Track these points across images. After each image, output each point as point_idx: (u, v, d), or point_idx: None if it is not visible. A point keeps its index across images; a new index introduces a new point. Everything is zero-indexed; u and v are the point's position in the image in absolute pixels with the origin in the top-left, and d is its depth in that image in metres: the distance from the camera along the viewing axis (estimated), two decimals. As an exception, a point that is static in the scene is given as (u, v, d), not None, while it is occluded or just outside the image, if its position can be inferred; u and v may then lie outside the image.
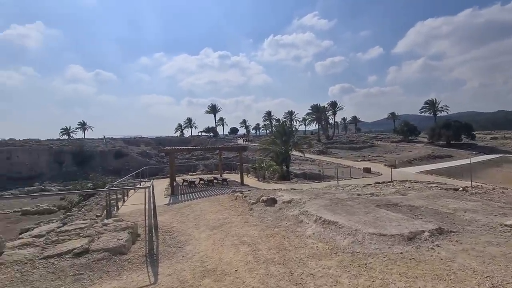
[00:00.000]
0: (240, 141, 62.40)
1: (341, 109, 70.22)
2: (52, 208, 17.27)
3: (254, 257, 3.83)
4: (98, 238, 4.37)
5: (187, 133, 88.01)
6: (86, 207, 11.65)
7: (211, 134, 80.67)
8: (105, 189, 10.32)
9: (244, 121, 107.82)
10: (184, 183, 16.16)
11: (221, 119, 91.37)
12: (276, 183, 16.77)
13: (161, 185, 15.14)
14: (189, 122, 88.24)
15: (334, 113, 69.80)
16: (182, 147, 23.78)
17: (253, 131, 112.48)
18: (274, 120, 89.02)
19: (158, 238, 5.12)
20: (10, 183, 31.38)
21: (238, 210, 7.39)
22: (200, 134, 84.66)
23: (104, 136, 54.81)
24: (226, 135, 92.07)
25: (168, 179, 18.62)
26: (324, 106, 66.51)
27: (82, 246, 3.92)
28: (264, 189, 11.61)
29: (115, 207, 9.25)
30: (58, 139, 53.32)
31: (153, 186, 5.36)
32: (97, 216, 9.08)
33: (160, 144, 56.77)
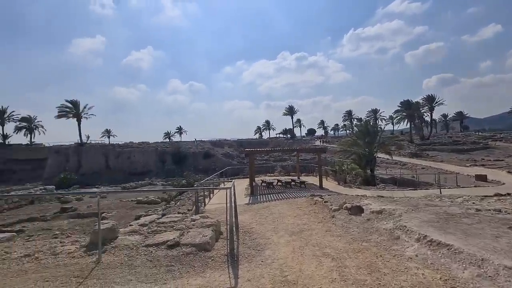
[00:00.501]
0: (318, 143, 60.29)
1: (441, 104, 58.74)
2: (157, 199, 20.60)
3: (340, 274, 3.36)
4: (187, 232, 4.75)
5: (265, 135, 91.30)
6: (181, 201, 13.31)
7: (288, 135, 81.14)
8: (194, 187, 11.46)
9: (322, 122, 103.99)
10: (263, 184, 16.52)
11: (298, 121, 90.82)
12: (359, 188, 15.21)
13: (241, 185, 15.91)
14: (267, 125, 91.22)
15: (431, 109, 58.90)
16: (260, 149, 24.63)
17: (332, 132, 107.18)
18: (355, 120, 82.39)
19: (239, 238, 5.22)
20: (130, 177, 39.35)
21: (318, 216, 6.90)
22: (277, 136, 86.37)
23: (195, 139, 62.48)
24: (303, 136, 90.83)
25: (248, 179, 19.40)
26: (417, 102, 57.11)
27: (174, 239, 4.30)
28: (346, 194, 10.59)
29: (203, 203, 10.16)
30: (162, 142, 63.78)
31: (234, 186, 5.51)
32: (188, 210, 10.20)
33: (241, 146, 60.61)
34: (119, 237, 4.49)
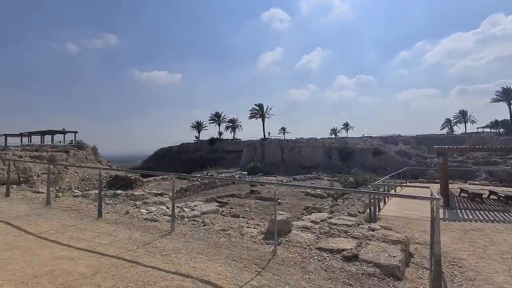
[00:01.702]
0: None
1: None
2: (323, 194, 20.83)
3: None
4: (366, 244, 3.88)
5: (458, 129, 69.12)
6: (349, 200, 12.35)
7: (501, 130, 56.42)
8: (369, 190, 10.14)
9: None
10: (462, 194, 12.18)
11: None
12: None
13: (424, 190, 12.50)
14: (463, 116, 68.49)
15: None
16: (459, 147, 18.47)
17: None
18: None
19: (443, 271, 3.66)
20: (300, 170, 43.08)
21: None
22: (480, 130, 62.72)
23: (363, 135, 58.15)
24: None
25: (435, 184, 15.08)
26: None
27: (351, 249, 3.60)
28: None
29: (377, 208, 8.72)
30: (328, 138, 64.83)
31: (434, 194, 3.96)
32: (359, 212, 9.12)
33: (421, 143, 49.57)
34: (292, 231, 4.42)
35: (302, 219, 5.88)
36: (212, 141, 66.04)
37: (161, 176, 27.11)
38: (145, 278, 2.82)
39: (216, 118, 74.13)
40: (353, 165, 37.57)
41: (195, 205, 6.97)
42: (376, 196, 9.17)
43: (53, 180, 26.04)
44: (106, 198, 7.18)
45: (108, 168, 5.82)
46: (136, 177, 22.94)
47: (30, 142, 43.98)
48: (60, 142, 46.51)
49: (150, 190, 15.79)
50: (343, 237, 4.22)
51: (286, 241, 4.07)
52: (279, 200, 16.16)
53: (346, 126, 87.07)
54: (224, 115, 75.08)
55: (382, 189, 11.26)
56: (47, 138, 46.52)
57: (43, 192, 8.51)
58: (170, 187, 17.23)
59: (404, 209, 8.54)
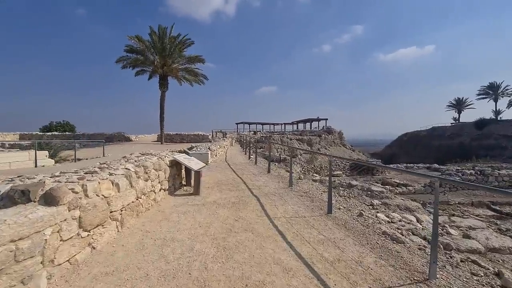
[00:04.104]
0: None
1: None
2: None
3: None
4: None
5: None
6: None
7: None
8: None
9: None
10: None
11: None
12: None
13: None
14: None
15: None
16: None
17: None
18: None
19: None
20: None
21: None
22: None
23: None
24: None
25: None
26: None
27: None
28: None
29: None
30: None
31: None
32: None
33: None
34: None
35: None
36: (481, 123, 48.07)
37: (404, 165, 23.69)
38: None
39: (491, 91, 52.65)
40: None
41: (469, 227, 4.20)
42: None
43: (309, 160, 31.31)
44: (340, 188, 6.46)
45: (339, 157, 5.16)
46: (377, 162, 21.55)
47: (297, 129, 57.69)
48: (315, 128, 56.53)
49: (391, 179, 13.62)
50: None
51: None
52: None
53: None
54: (507, 86, 51.38)
55: None
56: (308, 125, 58.51)
57: (293, 172, 9.77)
58: (412, 178, 13.86)
59: None
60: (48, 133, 29.62)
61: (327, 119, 53.52)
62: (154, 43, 23.65)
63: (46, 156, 12.84)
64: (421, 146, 50.44)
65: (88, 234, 2.80)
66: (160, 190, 5.00)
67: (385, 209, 4.89)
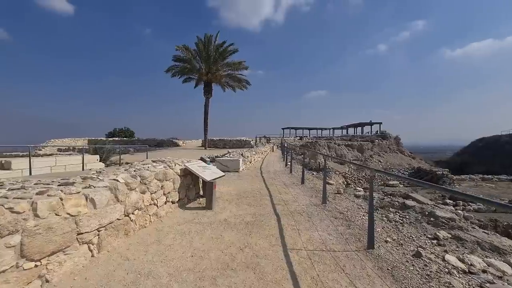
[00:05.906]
0: None
1: None
2: None
3: None
4: None
5: None
6: None
7: None
8: None
9: None
10: None
11: None
12: None
13: None
14: None
15: None
16: None
17: None
18: None
19: None
20: None
21: None
22: None
23: None
24: None
25: None
26: None
27: None
28: None
29: None
30: None
31: None
32: None
33: None
34: None
35: None
36: None
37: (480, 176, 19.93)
38: None
39: None
40: None
41: None
42: None
43: (357, 168, 28.38)
44: (391, 209, 5.01)
45: (382, 171, 3.99)
46: (444, 172, 18.57)
47: (347, 133, 54.17)
48: (368, 132, 52.19)
49: (463, 190, 11.09)
50: None
51: None
52: None
53: None
54: None
55: None
56: (359, 129, 54.55)
57: (332, 184, 8.40)
58: (490, 192, 10.86)
59: None
60: (110, 139, 33.15)
61: (381, 122, 48.76)
62: (199, 51, 24.46)
63: (97, 160, 13.86)
64: (501, 153, 41.88)
65: (36, 265, 2.24)
66: (165, 203, 4.40)
67: (457, 247, 3.39)
